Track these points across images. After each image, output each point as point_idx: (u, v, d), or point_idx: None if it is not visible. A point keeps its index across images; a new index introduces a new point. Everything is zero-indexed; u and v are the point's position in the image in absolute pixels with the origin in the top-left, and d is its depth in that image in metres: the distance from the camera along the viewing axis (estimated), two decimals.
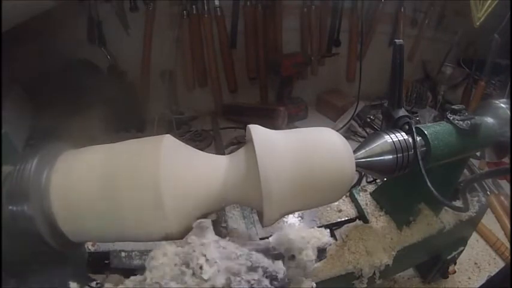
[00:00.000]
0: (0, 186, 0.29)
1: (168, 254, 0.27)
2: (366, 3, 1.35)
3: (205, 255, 0.26)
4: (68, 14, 1.05)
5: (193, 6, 1.19)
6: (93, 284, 0.27)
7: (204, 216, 0.34)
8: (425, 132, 0.49)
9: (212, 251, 0.27)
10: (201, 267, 0.26)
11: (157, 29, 1.21)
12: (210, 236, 0.29)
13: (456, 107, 0.52)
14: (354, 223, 0.63)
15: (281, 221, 0.60)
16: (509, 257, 0.87)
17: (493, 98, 0.94)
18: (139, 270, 0.27)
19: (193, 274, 0.26)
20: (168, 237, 0.30)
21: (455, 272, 0.75)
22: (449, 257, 0.69)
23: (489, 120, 0.54)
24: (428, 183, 0.48)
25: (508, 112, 0.54)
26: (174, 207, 0.29)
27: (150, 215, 0.29)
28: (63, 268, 0.27)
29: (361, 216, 0.63)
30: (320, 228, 0.32)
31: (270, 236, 0.35)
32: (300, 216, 0.62)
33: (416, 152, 0.47)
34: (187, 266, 0.26)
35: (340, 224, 0.63)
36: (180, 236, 0.31)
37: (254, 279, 0.26)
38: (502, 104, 0.56)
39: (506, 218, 0.97)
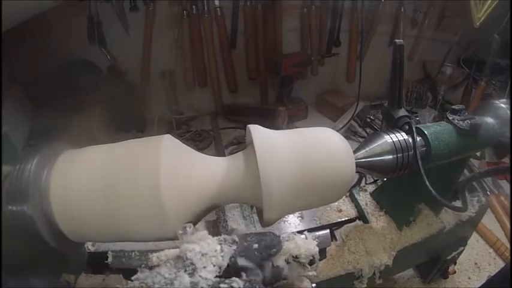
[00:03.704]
0: (0, 186, 0.29)
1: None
2: (366, 3, 1.35)
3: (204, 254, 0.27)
4: (68, 14, 1.05)
5: (193, 6, 1.19)
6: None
7: (204, 215, 0.35)
8: (426, 132, 0.49)
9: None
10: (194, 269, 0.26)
11: (157, 29, 1.21)
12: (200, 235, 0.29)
13: (456, 107, 0.52)
14: (354, 223, 0.63)
15: (281, 220, 0.61)
16: (509, 257, 0.87)
17: (493, 98, 0.94)
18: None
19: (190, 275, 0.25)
20: (167, 237, 0.30)
21: (455, 272, 0.75)
22: (449, 257, 0.69)
23: (489, 120, 0.54)
24: (427, 183, 0.48)
25: (508, 112, 0.54)
26: (174, 207, 0.29)
27: (149, 214, 0.29)
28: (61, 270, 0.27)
29: (361, 216, 0.63)
30: (309, 238, 0.32)
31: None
32: (300, 216, 0.62)
33: (416, 152, 0.47)
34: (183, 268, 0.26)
35: (340, 224, 0.63)
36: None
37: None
38: (502, 104, 0.56)
39: (506, 218, 0.97)
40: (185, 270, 0.26)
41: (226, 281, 0.26)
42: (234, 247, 0.28)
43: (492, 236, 0.92)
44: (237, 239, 0.28)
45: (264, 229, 0.35)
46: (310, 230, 0.44)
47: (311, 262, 0.31)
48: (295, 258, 0.30)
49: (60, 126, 0.90)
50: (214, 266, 0.26)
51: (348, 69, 1.52)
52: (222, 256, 0.27)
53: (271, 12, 1.29)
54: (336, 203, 0.65)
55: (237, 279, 0.26)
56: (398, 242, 0.58)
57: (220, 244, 0.28)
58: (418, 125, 0.50)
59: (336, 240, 0.60)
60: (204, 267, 0.26)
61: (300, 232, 0.33)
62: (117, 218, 0.29)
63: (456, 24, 1.41)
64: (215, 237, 0.28)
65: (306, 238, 0.32)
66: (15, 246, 0.30)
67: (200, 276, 0.25)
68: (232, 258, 0.27)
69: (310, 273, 0.32)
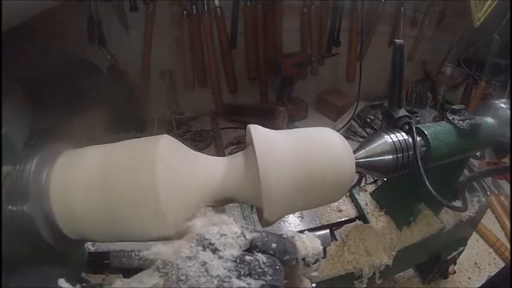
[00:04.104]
0: (1, 186, 0.29)
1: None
2: (366, 3, 1.35)
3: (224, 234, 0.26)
4: (68, 14, 1.05)
5: (193, 6, 1.19)
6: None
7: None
8: (426, 132, 0.49)
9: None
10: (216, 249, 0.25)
11: (157, 29, 1.21)
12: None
13: (456, 107, 0.52)
14: (354, 223, 0.63)
15: (281, 220, 0.61)
16: (509, 257, 0.87)
17: (493, 98, 0.94)
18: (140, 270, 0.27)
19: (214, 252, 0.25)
20: (165, 237, 0.30)
21: (455, 272, 0.75)
22: (449, 257, 0.69)
23: (489, 120, 0.54)
24: (427, 183, 0.48)
25: (508, 112, 0.54)
26: (171, 207, 0.29)
27: (147, 215, 0.29)
28: (60, 268, 0.27)
29: (361, 216, 0.63)
30: (312, 237, 0.32)
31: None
32: (300, 216, 0.62)
33: (416, 152, 0.47)
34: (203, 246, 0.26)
35: (340, 224, 0.63)
36: (177, 236, 0.31)
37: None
38: (502, 104, 0.56)
39: (506, 218, 0.97)
40: (204, 249, 0.25)
41: (250, 254, 0.25)
42: (256, 234, 0.27)
43: (492, 236, 0.92)
44: (259, 230, 0.28)
45: (263, 229, 0.35)
46: (310, 230, 0.44)
47: (315, 262, 0.31)
48: (303, 258, 0.30)
49: (60, 126, 0.90)
50: (234, 245, 0.26)
51: (348, 69, 1.52)
52: (241, 240, 0.26)
53: (271, 12, 1.29)
54: (336, 203, 0.65)
55: (260, 254, 0.25)
56: (398, 242, 0.58)
57: (242, 228, 0.27)
58: (418, 125, 0.50)
59: (336, 240, 0.60)
60: (224, 245, 0.26)
61: (301, 232, 0.33)
62: (117, 218, 0.29)
63: (456, 24, 1.41)
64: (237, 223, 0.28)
65: (309, 237, 0.32)
66: (15, 247, 0.30)
67: (223, 254, 0.25)
68: (253, 243, 0.26)
69: (314, 274, 0.32)
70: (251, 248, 0.27)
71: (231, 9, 1.26)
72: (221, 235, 0.26)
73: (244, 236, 0.26)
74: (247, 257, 0.25)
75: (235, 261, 0.25)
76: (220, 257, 0.25)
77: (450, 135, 0.50)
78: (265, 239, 0.27)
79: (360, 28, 1.32)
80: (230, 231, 0.27)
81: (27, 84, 1.00)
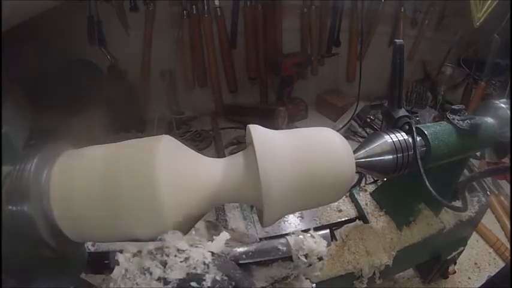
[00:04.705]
0: (1, 186, 0.29)
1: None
2: (366, 3, 1.35)
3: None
4: (68, 14, 1.05)
5: (193, 6, 1.19)
6: None
7: (204, 214, 0.35)
8: (426, 132, 0.49)
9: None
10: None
11: (157, 29, 1.21)
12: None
13: (456, 107, 0.52)
14: (354, 223, 0.63)
15: (281, 220, 0.61)
16: (509, 257, 0.87)
17: (493, 98, 0.94)
18: None
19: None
20: None
21: (455, 272, 0.75)
22: (449, 257, 0.69)
23: (489, 120, 0.54)
24: (427, 183, 0.48)
25: (508, 112, 0.54)
26: (172, 207, 0.29)
27: (148, 214, 0.29)
28: (62, 270, 0.27)
29: (361, 216, 0.63)
30: (316, 237, 0.32)
31: (270, 236, 0.34)
32: (300, 216, 0.62)
33: (416, 152, 0.47)
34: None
35: (340, 224, 0.63)
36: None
37: None
38: (502, 104, 0.56)
39: (506, 218, 0.97)
40: (157, 264, 0.26)
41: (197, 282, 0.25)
42: (218, 278, 0.26)
43: (492, 236, 0.92)
44: (230, 272, 0.27)
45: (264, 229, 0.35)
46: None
47: (319, 259, 0.31)
48: (306, 258, 0.30)
49: (60, 126, 0.90)
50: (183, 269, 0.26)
51: (348, 69, 1.52)
52: (204, 272, 0.26)
53: (271, 12, 1.29)
54: (336, 203, 0.65)
55: (207, 275, 0.25)
56: (398, 242, 0.58)
57: (212, 259, 0.27)
58: (418, 125, 0.50)
59: (336, 240, 0.60)
60: (173, 265, 0.25)
61: (306, 231, 0.33)
62: (117, 218, 0.29)
63: (456, 24, 1.41)
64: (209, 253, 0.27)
65: (314, 237, 0.32)
66: (15, 247, 0.30)
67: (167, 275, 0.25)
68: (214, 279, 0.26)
69: (316, 274, 0.32)
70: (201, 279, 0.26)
71: (231, 9, 1.26)
72: (186, 259, 0.26)
73: (208, 266, 0.26)
74: (190, 284, 0.25)
75: (175, 285, 0.25)
76: (164, 278, 0.25)
77: (450, 135, 0.50)
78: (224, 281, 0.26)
79: (360, 28, 1.32)
80: (198, 255, 0.26)
81: (27, 84, 1.00)
